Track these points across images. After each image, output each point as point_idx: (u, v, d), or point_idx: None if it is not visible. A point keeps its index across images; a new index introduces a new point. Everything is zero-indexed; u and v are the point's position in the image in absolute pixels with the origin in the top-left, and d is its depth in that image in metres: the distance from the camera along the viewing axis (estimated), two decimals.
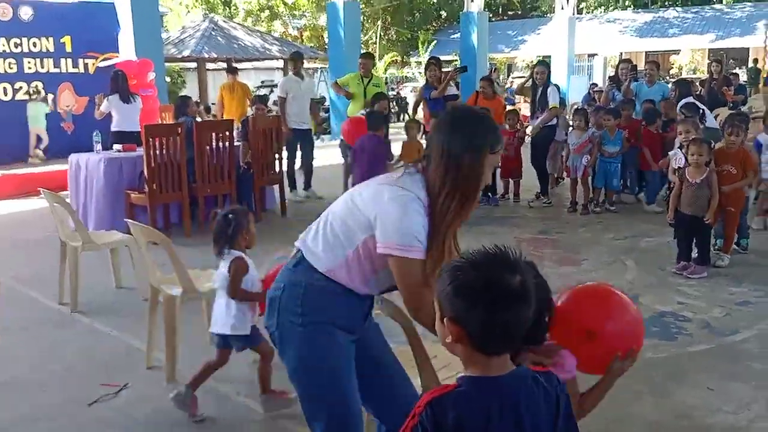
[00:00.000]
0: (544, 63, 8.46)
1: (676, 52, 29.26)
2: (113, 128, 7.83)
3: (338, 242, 1.98)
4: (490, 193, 7.75)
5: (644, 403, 3.14)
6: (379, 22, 30.51)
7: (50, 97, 10.55)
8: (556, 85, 7.97)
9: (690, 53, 29.15)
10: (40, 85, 10.76)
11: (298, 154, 8.44)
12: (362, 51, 12.45)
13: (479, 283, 1.33)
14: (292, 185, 8.37)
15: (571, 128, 7.55)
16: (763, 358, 3.59)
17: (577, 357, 1.74)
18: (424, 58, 28.22)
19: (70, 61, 11.21)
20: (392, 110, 15.98)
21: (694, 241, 5.11)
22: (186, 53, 17.50)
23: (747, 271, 5.08)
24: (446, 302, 1.36)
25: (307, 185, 8.53)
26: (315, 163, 8.64)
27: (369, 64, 8.55)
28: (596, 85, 13.78)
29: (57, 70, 11.06)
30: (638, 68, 9.28)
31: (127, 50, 11.33)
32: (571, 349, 1.75)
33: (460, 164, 1.89)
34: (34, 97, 10.58)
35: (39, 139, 10.59)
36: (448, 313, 1.36)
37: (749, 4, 29.82)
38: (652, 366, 3.51)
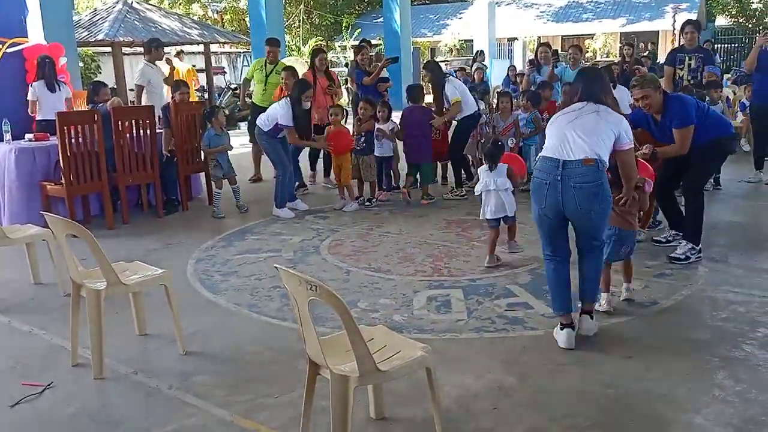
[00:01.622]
0: (428, 65, 7.79)
1: (591, 36, 30.22)
2: (38, 117, 7.44)
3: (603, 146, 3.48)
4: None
5: (570, 374, 3.26)
6: (302, 6, 30.11)
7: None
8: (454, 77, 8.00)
9: (603, 37, 30.17)
10: None
11: None
12: (285, 35, 12.25)
13: None
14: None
15: (496, 112, 7.70)
16: (681, 326, 3.78)
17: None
18: (349, 42, 28.11)
19: None
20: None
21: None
22: (100, 37, 16.73)
23: (663, 246, 5.33)
24: None
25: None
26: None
27: (276, 51, 8.26)
28: (515, 68, 14.05)
29: None
30: (558, 52, 9.49)
31: (36, 34, 10.74)
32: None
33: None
34: None
35: None
36: None
37: None
38: (577, 339, 3.63)
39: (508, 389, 3.13)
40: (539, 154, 3.67)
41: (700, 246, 4.93)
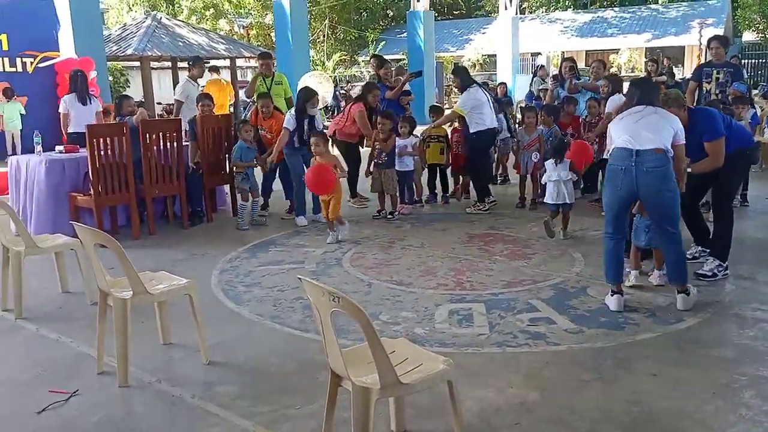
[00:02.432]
0: (457, 68, 8.37)
1: (616, 51, 30.09)
2: (70, 130, 7.72)
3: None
4: (442, 190, 7.87)
5: (594, 390, 3.23)
6: (327, 21, 30.40)
7: (24, 99, 10.09)
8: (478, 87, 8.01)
9: (628, 52, 30.01)
10: None
11: None
12: (309, 49, 12.39)
13: None
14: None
15: (521, 126, 7.71)
16: (707, 344, 3.73)
17: None
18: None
19: (7, 60, 10.85)
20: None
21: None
22: (129, 51, 17.08)
23: (689, 262, 5.26)
24: None
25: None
26: None
27: (269, 63, 8.27)
28: (544, 67, 13.63)
29: None
30: (578, 67, 9.43)
31: (67, 49, 11.01)
32: None
33: None
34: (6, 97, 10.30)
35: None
36: None
37: (684, 3, 30.91)
38: (600, 355, 3.61)
39: (530, 405, 3.11)
40: (613, 145, 4.28)
41: (727, 263, 4.87)
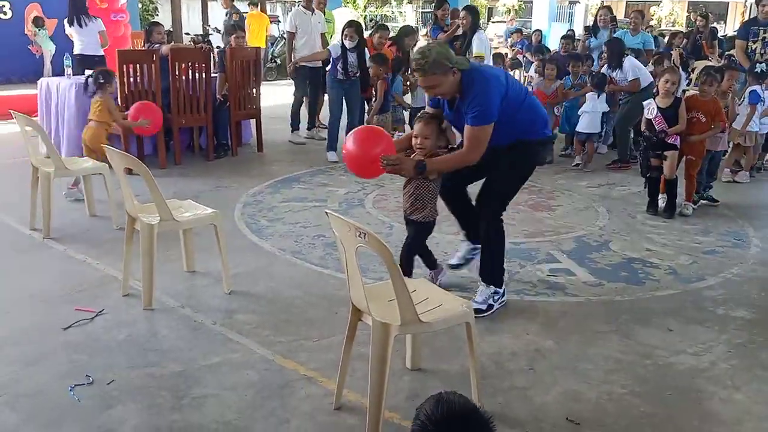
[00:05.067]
0: (470, 8, 8.00)
1: (657, 2, 29.09)
2: (75, 52, 7.78)
3: None
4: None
5: (609, 342, 3.25)
6: None
7: (54, 21, 9.92)
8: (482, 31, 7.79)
9: (670, 5, 29.02)
10: (7, 5, 10.35)
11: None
12: None
13: None
14: (295, 125, 8.09)
15: (541, 77, 7.59)
16: (727, 304, 3.72)
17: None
18: None
19: None
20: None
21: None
22: None
23: (715, 222, 5.21)
24: None
25: (311, 125, 8.31)
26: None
27: None
28: (572, 36, 12.95)
29: None
30: (617, 18, 9.18)
31: None
32: None
33: None
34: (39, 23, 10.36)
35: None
36: None
37: None
38: (618, 308, 3.62)
39: (545, 352, 3.14)
40: None
41: (504, 287, 3.62)
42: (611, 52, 6.87)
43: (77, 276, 3.93)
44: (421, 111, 4.23)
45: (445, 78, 3.20)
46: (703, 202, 5.62)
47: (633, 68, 6.68)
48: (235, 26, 7.50)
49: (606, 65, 7.04)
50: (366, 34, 7.63)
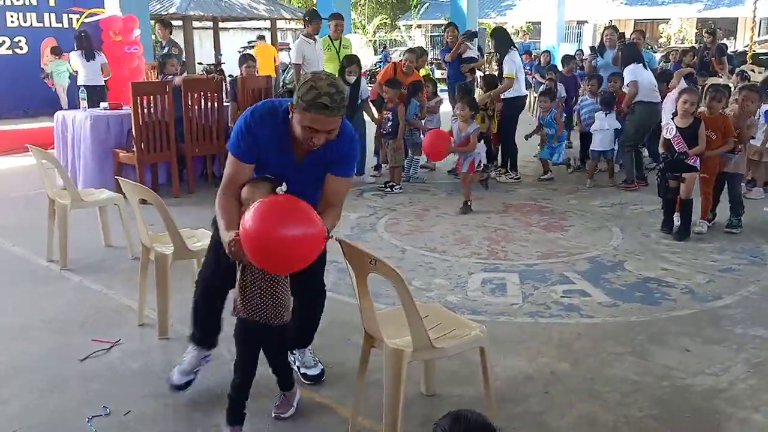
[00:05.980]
0: (495, 30, 7.93)
1: (666, 21, 29.15)
2: (79, 83, 8.66)
3: None
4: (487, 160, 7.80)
5: (625, 363, 3.22)
6: None
7: (74, 55, 9.96)
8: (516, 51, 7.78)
9: (679, 22, 29.06)
10: (23, 40, 10.60)
11: None
12: (350, 12, 12.32)
13: None
14: None
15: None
16: (744, 323, 3.68)
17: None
18: (416, 21, 27.81)
19: (54, 15, 10.98)
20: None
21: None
22: (172, 10, 17.17)
23: (730, 239, 5.17)
24: None
25: None
26: None
27: (339, 24, 7.92)
28: (579, 55, 13.02)
29: (40, 25, 10.86)
30: (625, 36, 9.24)
31: (112, 6, 11.12)
32: None
33: None
34: (55, 55, 10.73)
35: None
36: None
37: None
38: (634, 329, 3.59)
39: (560, 375, 3.12)
40: None
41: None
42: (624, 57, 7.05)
43: (93, 306, 3.96)
44: None
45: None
46: (726, 230, 5.36)
47: (630, 73, 6.70)
48: (170, 55, 7.51)
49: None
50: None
